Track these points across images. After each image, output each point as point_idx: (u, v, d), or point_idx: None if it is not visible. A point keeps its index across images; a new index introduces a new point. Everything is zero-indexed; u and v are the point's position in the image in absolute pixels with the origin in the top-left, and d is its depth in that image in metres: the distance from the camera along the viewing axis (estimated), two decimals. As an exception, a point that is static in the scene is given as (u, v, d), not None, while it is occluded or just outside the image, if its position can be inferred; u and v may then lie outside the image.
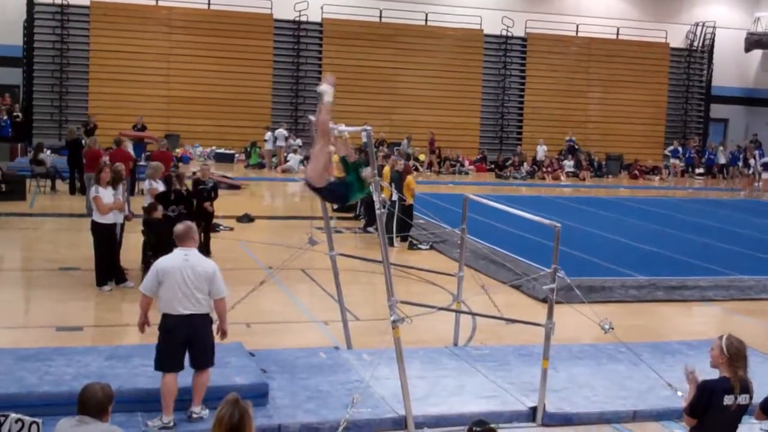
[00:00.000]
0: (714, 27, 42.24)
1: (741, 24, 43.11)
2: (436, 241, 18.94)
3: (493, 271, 15.80)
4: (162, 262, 8.34)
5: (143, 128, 29.99)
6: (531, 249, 16.91)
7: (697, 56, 43.01)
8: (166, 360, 8.30)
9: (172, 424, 8.29)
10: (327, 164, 8.98)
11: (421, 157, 35.68)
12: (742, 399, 6.33)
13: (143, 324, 8.48)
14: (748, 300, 15.57)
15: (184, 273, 8.15)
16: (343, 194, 9.36)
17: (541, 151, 37.23)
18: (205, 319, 8.31)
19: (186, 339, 8.24)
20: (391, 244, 18.21)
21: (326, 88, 8.97)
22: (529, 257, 16.38)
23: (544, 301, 11.62)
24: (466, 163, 37.07)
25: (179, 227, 8.49)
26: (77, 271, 14.95)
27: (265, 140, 33.45)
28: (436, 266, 15.15)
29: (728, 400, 6.28)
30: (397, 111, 37.73)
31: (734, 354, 6.33)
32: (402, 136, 35.19)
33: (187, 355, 8.32)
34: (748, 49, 42.95)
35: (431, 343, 11.39)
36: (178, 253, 8.35)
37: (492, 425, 5.53)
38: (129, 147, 22.76)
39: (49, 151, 28.78)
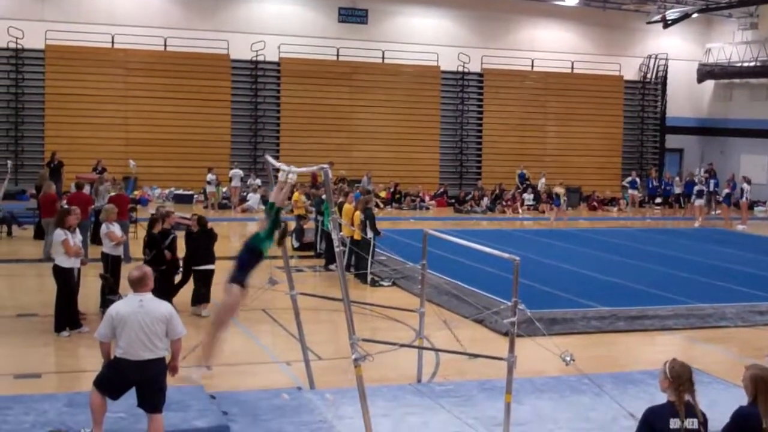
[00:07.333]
0: (666, 59, 42.91)
1: (693, 55, 43.91)
2: (397, 277, 18.92)
3: (455, 306, 15.78)
4: (117, 309, 8.24)
5: (103, 170, 29.76)
6: (493, 282, 16.95)
7: (650, 88, 43.66)
8: (107, 387, 8.28)
9: None
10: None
11: (382, 194, 35.71)
12: (690, 423, 6.29)
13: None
14: (708, 328, 15.66)
15: (140, 320, 8.08)
16: (255, 250, 9.63)
17: (541, 184, 36.54)
18: (160, 363, 8.25)
19: (137, 382, 8.18)
20: (371, 283, 18.65)
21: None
22: (491, 291, 16.42)
23: (506, 334, 11.62)
24: (427, 198, 37.18)
25: (134, 273, 8.37)
26: (35, 317, 14.74)
27: (208, 182, 32.74)
28: (398, 302, 15.13)
29: (674, 424, 6.26)
30: (356, 148, 37.86)
31: (675, 377, 6.35)
32: (362, 173, 35.25)
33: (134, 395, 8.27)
34: (700, 80, 43.68)
35: (395, 380, 11.35)
36: (132, 298, 8.26)
37: None
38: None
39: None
